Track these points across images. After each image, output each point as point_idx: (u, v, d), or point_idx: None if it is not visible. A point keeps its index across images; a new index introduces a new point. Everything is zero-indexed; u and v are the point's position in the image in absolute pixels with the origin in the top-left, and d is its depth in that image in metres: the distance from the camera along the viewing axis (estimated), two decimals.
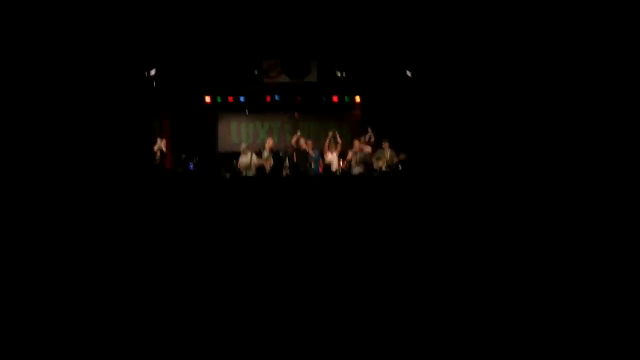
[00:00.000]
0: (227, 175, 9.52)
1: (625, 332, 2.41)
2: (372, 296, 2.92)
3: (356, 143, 9.55)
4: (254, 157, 9.70)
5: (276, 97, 11.83)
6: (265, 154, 9.75)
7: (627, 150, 5.14)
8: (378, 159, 9.37)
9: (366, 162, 9.31)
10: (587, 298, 2.79)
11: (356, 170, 9.31)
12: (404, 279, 3.24)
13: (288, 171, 9.77)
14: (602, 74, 5.62)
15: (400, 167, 9.40)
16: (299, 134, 10.07)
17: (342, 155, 9.98)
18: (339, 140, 9.88)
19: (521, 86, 6.94)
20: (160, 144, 9.99)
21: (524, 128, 6.80)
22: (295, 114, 12.31)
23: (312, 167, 9.69)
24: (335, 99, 11.94)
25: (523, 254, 3.61)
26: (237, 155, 10.01)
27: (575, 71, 6.00)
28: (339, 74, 10.65)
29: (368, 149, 9.51)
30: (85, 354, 2.31)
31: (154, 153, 9.83)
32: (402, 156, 9.57)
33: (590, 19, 5.72)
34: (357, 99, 12.04)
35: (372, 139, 9.74)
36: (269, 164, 9.65)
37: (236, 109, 12.31)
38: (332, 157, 9.82)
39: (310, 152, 9.70)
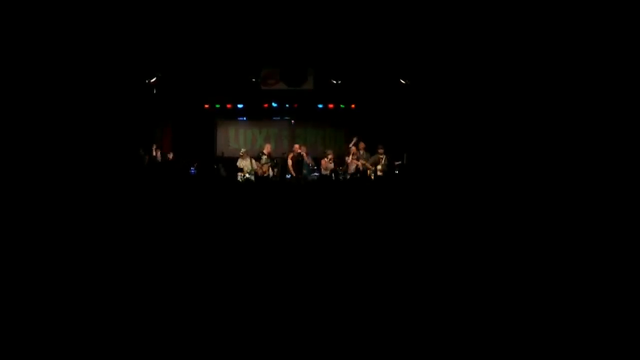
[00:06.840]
0: (237, 177, 9.71)
1: (625, 332, 2.42)
2: (370, 297, 2.92)
3: (347, 159, 9.79)
4: (253, 162, 9.94)
5: (273, 104, 12.07)
6: (264, 159, 10.00)
7: (616, 152, 5.27)
8: (374, 164, 9.60)
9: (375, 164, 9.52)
10: (586, 298, 2.79)
11: (350, 175, 9.55)
12: (401, 280, 3.23)
13: (286, 175, 9.99)
14: (589, 90, 5.81)
15: (397, 171, 9.64)
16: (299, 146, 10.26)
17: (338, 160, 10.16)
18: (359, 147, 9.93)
19: (512, 93, 7.13)
20: (167, 155, 10.47)
21: (516, 134, 6.96)
22: (292, 121, 12.52)
23: (308, 171, 9.93)
24: (331, 106, 12.20)
25: (513, 259, 3.59)
26: (235, 160, 10.25)
27: (566, 84, 6.15)
28: (335, 82, 10.93)
29: (354, 163, 9.70)
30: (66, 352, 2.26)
31: (154, 157, 10.06)
32: (396, 163, 9.83)
33: (578, 34, 5.94)
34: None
35: (359, 146, 9.88)
36: (266, 169, 9.90)
37: (234, 116, 12.54)
38: (328, 163, 10.01)
39: (307, 157, 9.94)
